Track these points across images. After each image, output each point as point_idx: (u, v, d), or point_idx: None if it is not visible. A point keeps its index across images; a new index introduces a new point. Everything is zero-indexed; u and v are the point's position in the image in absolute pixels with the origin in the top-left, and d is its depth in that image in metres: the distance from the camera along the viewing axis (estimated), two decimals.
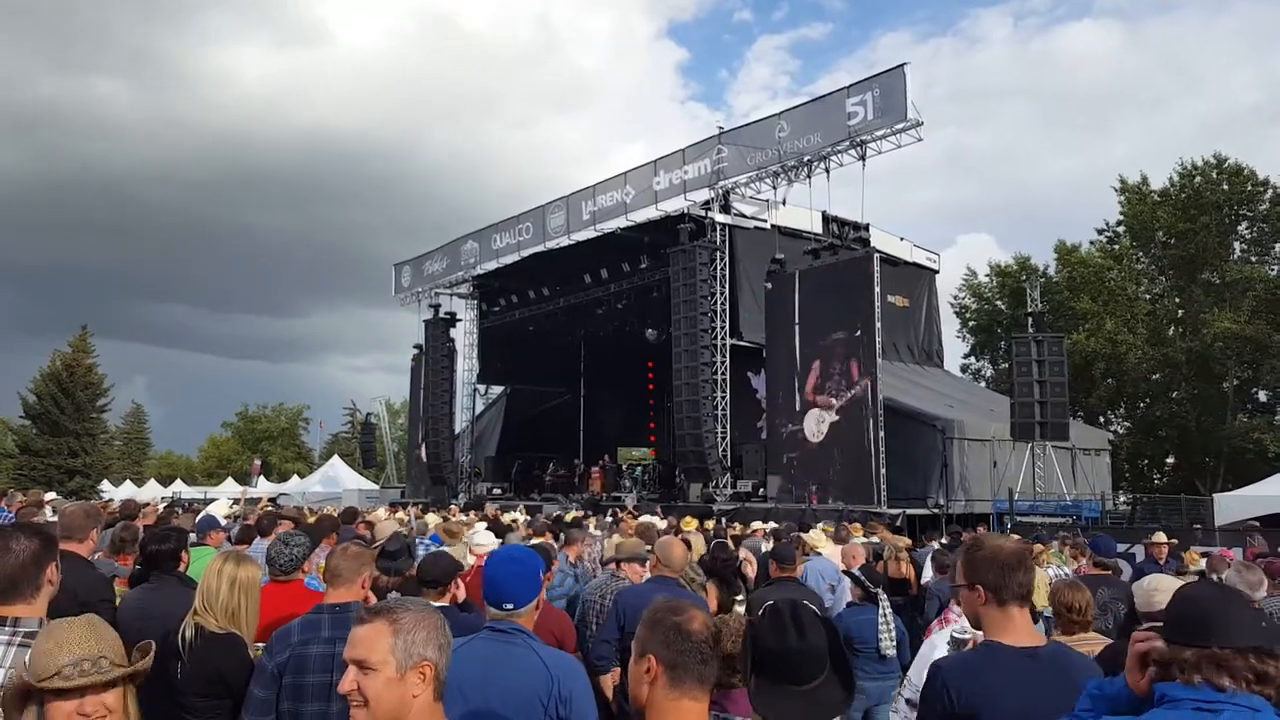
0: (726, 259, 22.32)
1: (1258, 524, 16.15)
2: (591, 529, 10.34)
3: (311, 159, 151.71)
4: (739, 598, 5.59)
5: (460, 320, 32.78)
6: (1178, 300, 36.92)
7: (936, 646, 3.88)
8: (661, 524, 10.48)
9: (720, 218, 22.50)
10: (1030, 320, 22.08)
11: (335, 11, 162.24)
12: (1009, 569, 2.61)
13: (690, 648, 1.98)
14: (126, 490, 40.31)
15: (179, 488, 45.50)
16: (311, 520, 9.36)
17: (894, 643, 5.77)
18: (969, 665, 2.63)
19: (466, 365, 33.05)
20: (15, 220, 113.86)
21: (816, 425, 20.02)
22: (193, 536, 6.66)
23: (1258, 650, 1.80)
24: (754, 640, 2.26)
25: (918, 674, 3.43)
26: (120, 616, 3.80)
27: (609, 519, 15.16)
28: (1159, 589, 3.81)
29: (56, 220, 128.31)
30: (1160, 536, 10.14)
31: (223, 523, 7.37)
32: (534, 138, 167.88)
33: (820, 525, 11.93)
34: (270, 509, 12.15)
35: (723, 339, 21.93)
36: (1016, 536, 11.78)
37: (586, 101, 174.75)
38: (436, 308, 32.42)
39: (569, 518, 13.39)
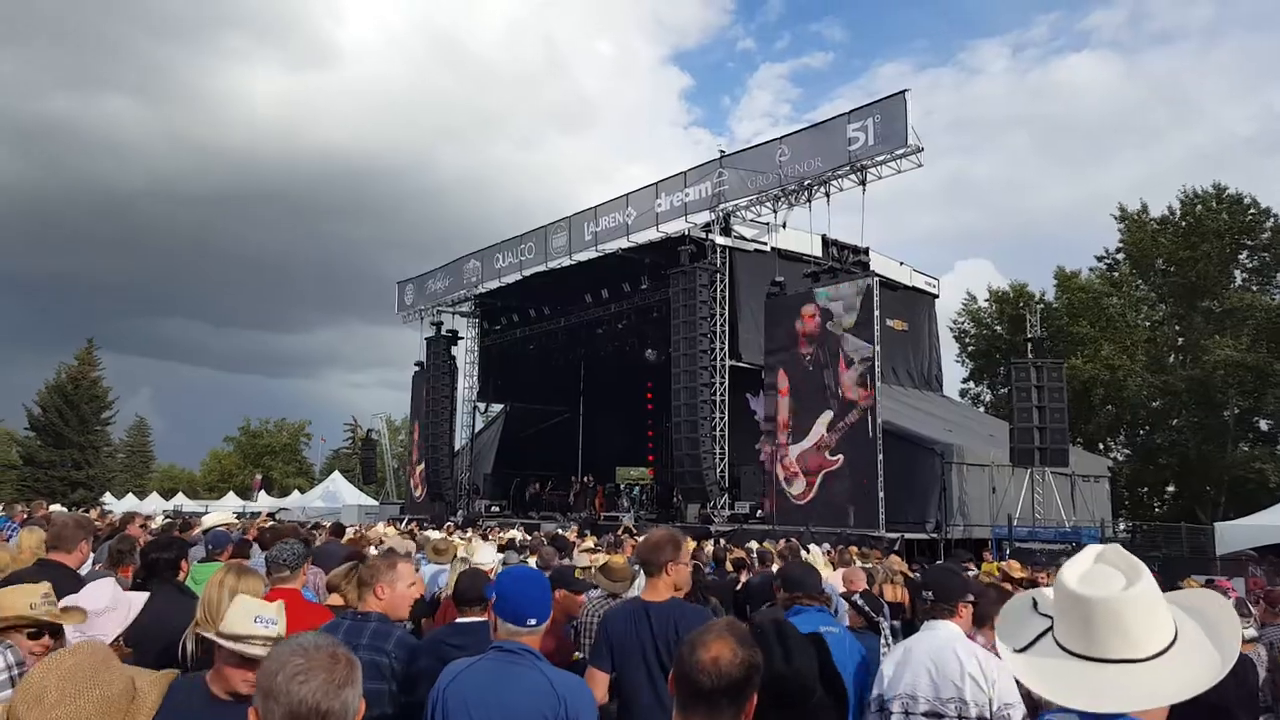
0: (726, 281, 22.45)
1: (1255, 554, 16.12)
2: (586, 546, 10.34)
3: (319, 178, 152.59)
4: None
5: (462, 338, 33.01)
6: (1178, 328, 36.89)
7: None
8: None
9: (721, 240, 22.64)
10: (1030, 345, 22.04)
11: (346, 33, 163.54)
12: (656, 549, 3.75)
13: (683, 673, 1.89)
14: (129, 503, 40.26)
15: (181, 501, 45.42)
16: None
17: None
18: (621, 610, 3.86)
19: (467, 383, 33.23)
20: (23, 233, 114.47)
21: (815, 448, 20.05)
22: (203, 551, 6.70)
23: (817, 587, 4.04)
24: None
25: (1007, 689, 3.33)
26: None
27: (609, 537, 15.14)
28: None
29: (64, 233, 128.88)
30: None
31: (234, 537, 7.38)
32: (538, 158, 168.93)
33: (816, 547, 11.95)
34: (273, 523, 12.20)
35: (722, 360, 22.01)
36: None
37: (590, 124, 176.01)
38: (438, 325, 32.59)
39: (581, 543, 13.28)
